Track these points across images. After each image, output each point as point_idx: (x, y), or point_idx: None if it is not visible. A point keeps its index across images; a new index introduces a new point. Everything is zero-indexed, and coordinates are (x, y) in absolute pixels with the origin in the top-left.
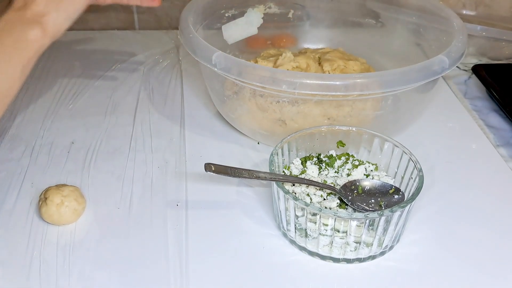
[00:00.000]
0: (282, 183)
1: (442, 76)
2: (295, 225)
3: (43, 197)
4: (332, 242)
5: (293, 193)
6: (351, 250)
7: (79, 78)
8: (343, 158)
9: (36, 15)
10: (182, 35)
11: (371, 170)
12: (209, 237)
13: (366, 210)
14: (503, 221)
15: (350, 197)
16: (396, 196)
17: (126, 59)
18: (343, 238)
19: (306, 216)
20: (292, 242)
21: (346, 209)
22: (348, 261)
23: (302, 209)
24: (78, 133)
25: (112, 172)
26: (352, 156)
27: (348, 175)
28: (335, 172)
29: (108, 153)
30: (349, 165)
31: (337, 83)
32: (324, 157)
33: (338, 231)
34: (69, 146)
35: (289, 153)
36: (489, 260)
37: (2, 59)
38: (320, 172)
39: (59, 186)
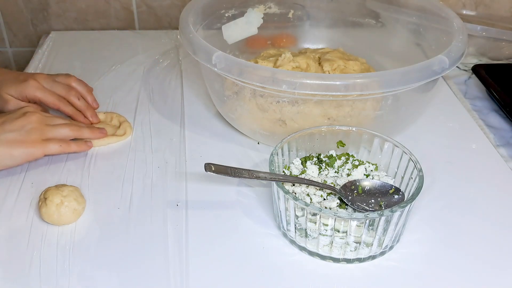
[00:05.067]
0: (282, 183)
1: (442, 76)
2: (295, 225)
3: (43, 198)
4: (332, 242)
5: (293, 193)
6: (351, 250)
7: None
8: (343, 158)
9: None
10: (182, 35)
11: (371, 170)
12: (209, 237)
13: (366, 210)
14: (503, 221)
15: (350, 197)
16: (396, 196)
17: (126, 59)
18: (343, 238)
19: (306, 216)
20: (292, 242)
21: (346, 209)
22: (348, 261)
23: (302, 209)
24: None
25: (112, 172)
26: (352, 156)
27: (348, 175)
28: (335, 172)
29: (108, 153)
30: (349, 165)
31: (337, 83)
32: (324, 157)
33: (338, 231)
34: None
35: (289, 153)
36: (489, 260)
37: None
38: (320, 172)
39: (59, 186)
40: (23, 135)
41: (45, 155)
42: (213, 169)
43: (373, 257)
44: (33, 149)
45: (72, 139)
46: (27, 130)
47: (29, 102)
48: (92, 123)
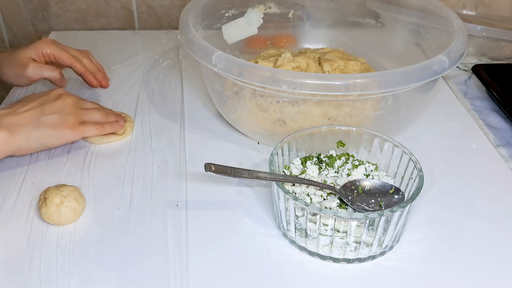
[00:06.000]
0: (282, 183)
1: (442, 76)
2: (295, 225)
3: (43, 198)
4: (332, 242)
5: (293, 193)
6: (351, 250)
7: (79, 78)
8: (343, 158)
9: (11, 124)
10: (182, 35)
11: (371, 170)
12: (209, 237)
13: (366, 210)
14: (503, 221)
15: (350, 197)
16: (396, 196)
17: (126, 59)
18: (343, 238)
19: (306, 216)
20: (292, 242)
21: (346, 209)
22: (348, 261)
23: (302, 209)
24: None
25: (112, 172)
26: (352, 156)
27: (348, 175)
28: (335, 172)
29: (108, 153)
30: (349, 165)
31: (337, 83)
32: (324, 157)
33: (338, 231)
34: (69, 146)
35: (289, 153)
36: (489, 260)
37: None
38: (320, 172)
39: (59, 186)
40: (63, 119)
41: (82, 138)
42: (213, 169)
43: (373, 257)
44: (72, 132)
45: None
46: (66, 113)
47: (46, 61)
48: (101, 85)
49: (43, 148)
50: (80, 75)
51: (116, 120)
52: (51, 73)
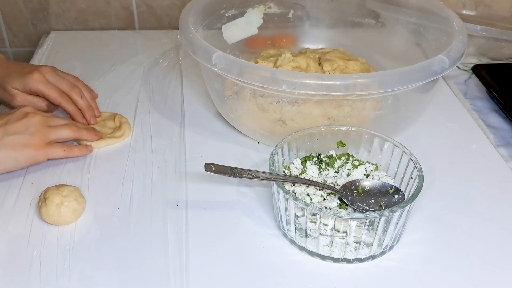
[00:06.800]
0: (282, 183)
1: (442, 76)
2: (295, 225)
3: (43, 198)
4: (332, 242)
5: (293, 193)
6: (351, 250)
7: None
8: (343, 158)
9: None
10: (182, 35)
11: (371, 170)
12: (209, 237)
13: (366, 210)
14: (503, 221)
15: (350, 197)
16: (396, 196)
17: (126, 59)
18: (343, 238)
19: (306, 216)
20: (292, 242)
21: (346, 209)
22: (348, 261)
23: (302, 209)
24: None
25: (112, 172)
26: (352, 156)
27: (348, 175)
28: (335, 172)
29: (108, 153)
30: (349, 165)
31: (337, 83)
32: (324, 157)
33: (338, 231)
34: None
35: (289, 153)
36: (489, 260)
37: None
38: (320, 172)
39: (59, 186)
40: (27, 138)
41: (48, 159)
42: (213, 169)
43: (373, 257)
44: (37, 153)
45: (73, 143)
46: (31, 133)
47: (34, 95)
48: (89, 124)
49: (7, 171)
50: (69, 114)
51: (85, 145)
52: (37, 105)
